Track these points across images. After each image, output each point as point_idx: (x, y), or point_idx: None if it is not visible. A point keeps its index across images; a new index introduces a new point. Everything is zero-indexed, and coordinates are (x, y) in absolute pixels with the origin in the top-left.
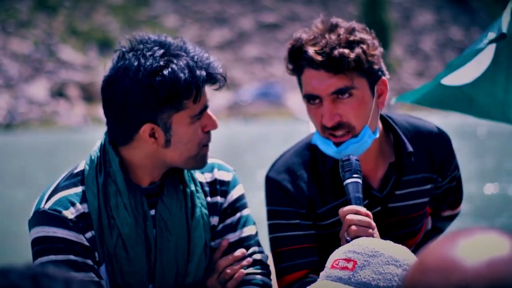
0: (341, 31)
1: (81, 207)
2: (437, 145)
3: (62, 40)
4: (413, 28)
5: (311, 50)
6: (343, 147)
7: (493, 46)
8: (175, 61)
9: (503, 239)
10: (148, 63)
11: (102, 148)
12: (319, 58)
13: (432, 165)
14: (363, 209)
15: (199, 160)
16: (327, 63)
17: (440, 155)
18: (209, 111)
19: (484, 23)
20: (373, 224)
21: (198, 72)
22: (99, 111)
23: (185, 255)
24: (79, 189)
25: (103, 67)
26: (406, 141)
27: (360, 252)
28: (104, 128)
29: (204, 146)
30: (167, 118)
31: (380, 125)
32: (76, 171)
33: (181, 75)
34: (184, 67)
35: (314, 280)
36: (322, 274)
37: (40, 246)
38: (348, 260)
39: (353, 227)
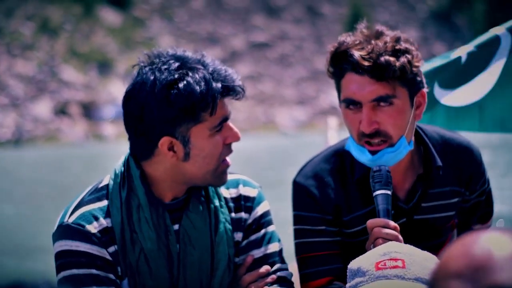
0: (387, 38)
1: (104, 222)
2: (466, 159)
3: (64, 61)
4: None
5: (357, 54)
6: (378, 156)
7: (501, 61)
8: (190, 74)
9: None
10: (163, 77)
11: (126, 163)
12: (365, 63)
13: (460, 179)
14: (391, 222)
15: (218, 176)
16: (372, 69)
17: (468, 169)
18: (230, 122)
19: (466, 38)
20: (400, 238)
21: (214, 85)
22: (99, 128)
23: (209, 270)
24: (103, 203)
25: (103, 86)
26: (435, 154)
27: (402, 252)
28: (103, 144)
29: (223, 161)
30: (185, 131)
31: (413, 137)
32: (100, 185)
33: (197, 87)
34: (200, 80)
35: None
36: (362, 280)
37: (63, 259)
38: (395, 259)
39: (380, 241)
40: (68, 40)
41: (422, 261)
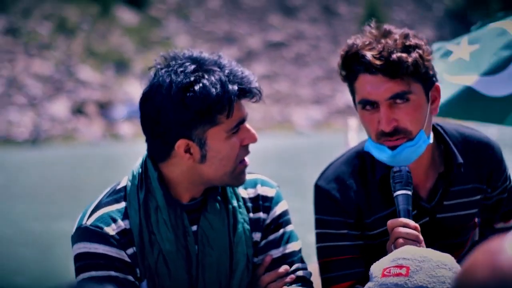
0: (396, 36)
1: (122, 224)
2: (486, 155)
3: (81, 61)
4: None
5: (369, 54)
6: (398, 151)
7: None
8: (206, 76)
9: None
10: (179, 79)
11: (143, 164)
12: (377, 62)
13: (481, 176)
14: (411, 222)
15: (236, 178)
16: (385, 67)
17: (488, 166)
18: (247, 124)
19: None
20: (421, 238)
21: (230, 87)
22: (116, 127)
23: (227, 271)
24: (121, 205)
25: (119, 86)
26: (456, 152)
27: (410, 258)
28: (120, 143)
29: (241, 162)
30: (201, 134)
31: (431, 134)
32: (118, 187)
33: (213, 90)
34: (216, 82)
35: None
36: (370, 285)
37: (82, 262)
38: (400, 266)
39: (401, 240)
40: (85, 40)
41: (433, 269)
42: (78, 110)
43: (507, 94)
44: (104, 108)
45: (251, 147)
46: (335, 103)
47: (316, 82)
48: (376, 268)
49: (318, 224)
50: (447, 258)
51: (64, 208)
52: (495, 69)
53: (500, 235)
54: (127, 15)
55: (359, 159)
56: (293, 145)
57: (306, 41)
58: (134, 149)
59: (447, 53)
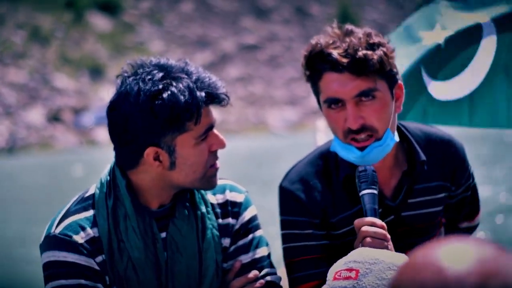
0: (360, 34)
1: (91, 232)
2: (449, 153)
3: (55, 68)
4: None
5: (335, 53)
6: (366, 151)
7: (487, 54)
8: (174, 83)
9: (486, 245)
10: (147, 87)
11: (111, 172)
12: (344, 60)
13: (445, 173)
14: (378, 221)
15: (207, 181)
16: (352, 65)
17: (452, 163)
18: (215, 130)
19: None
20: (388, 236)
21: (198, 93)
22: (92, 134)
23: (197, 277)
24: (89, 213)
25: (94, 92)
26: (419, 149)
27: (361, 261)
28: (97, 150)
29: (211, 166)
30: (170, 141)
31: (396, 132)
32: (86, 195)
33: (181, 97)
34: (184, 89)
35: None
36: (324, 287)
37: (51, 270)
38: (350, 269)
39: (368, 239)
40: (59, 47)
41: (383, 271)
42: (54, 118)
43: (462, 96)
44: (80, 115)
45: (227, 149)
46: (310, 104)
47: (290, 83)
48: (331, 271)
49: (284, 225)
50: (401, 260)
51: (45, 215)
52: (445, 75)
53: (464, 234)
54: (100, 22)
55: (323, 160)
56: (269, 147)
57: (279, 42)
58: (110, 155)
59: (417, 39)
